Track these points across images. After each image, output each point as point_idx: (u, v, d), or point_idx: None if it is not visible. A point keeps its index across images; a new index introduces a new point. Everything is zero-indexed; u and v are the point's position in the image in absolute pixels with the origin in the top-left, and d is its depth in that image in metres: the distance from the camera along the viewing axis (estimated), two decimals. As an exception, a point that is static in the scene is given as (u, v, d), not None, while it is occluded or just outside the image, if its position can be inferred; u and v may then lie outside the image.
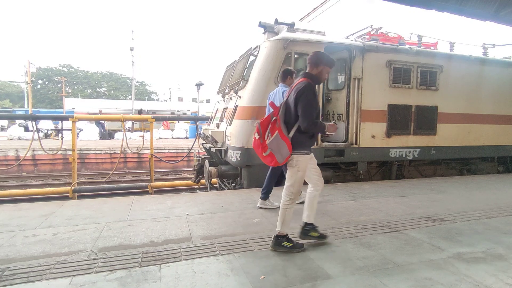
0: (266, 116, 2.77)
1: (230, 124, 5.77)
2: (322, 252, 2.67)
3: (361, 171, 6.20)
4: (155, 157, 9.22)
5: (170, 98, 49.73)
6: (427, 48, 7.15)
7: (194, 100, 43.72)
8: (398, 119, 6.26)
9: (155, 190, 8.81)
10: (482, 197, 4.79)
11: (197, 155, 7.20)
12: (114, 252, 2.62)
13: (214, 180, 7.58)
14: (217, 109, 7.84)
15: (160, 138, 21.55)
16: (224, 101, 7.17)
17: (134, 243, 2.82)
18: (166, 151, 14.71)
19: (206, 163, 6.04)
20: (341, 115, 6.23)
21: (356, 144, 5.96)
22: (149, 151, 8.80)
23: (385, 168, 6.67)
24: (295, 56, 5.66)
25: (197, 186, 8.97)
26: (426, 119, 6.50)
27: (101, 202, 4.28)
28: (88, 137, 19.69)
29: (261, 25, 6.21)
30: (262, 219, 3.55)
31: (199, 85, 16.10)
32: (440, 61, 6.57)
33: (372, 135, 6.09)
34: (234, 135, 5.49)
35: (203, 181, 7.05)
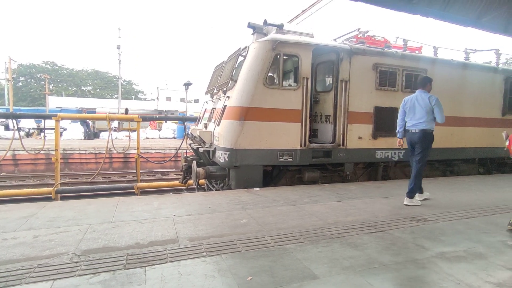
0: None
1: (218, 125, 5.73)
2: (309, 252, 2.68)
3: (348, 172, 6.28)
4: (142, 157, 9.07)
5: (157, 98, 49.08)
6: (412, 52, 7.32)
7: (182, 100, 43.25)
8: (384, 121, 6.38)
9: (141, 191, 8.66)
10: (464, 197, 4.93)
11: (185, 155, 7.12)
12: (98, 255, 2.55)
13: (201, 181, 7.52)
14: (206, 109, 7.78)
15: (147, 138, 21.24)
16: (212, 101, 7.12)
17: (119, 245, 2.75)
18: (153, 151, 14.50)
19: (194, 163, 5.98)
20: (328, 117, 6.30)
21: (343, 145, 6.04)
22: (135, 151, 8.65)
23: (371, 169, 6.78)
24: (284, 57, 5.68)
25: (184, 187, 8.88)
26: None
27: (85, 203, 4.17)
28: (72, 136, 19.20)
29: (250, 25, 6.21)
30: (250, 220, 3.54)
31: (187, 85, 15.95)
32: (425, 65, 6.75)
33: (358, 137, 6.18)
34: (223, 135, 5.46)
35: (190, 182, 6.98)
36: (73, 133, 19.49)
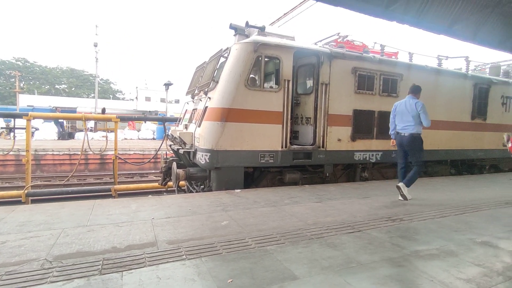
0: None
1: (199, 126, 5.67)
2: (289, 253, 2.70)
3: (327, 173, 6.40)
4: (119, 158, 8.81)
5: (136, 98, 47.87)
6: (389, 57, 7.59)
7: (163, 100, 42.47)
8: (362, 124, 6.57)
9: (119, 193, 8.40)
10: (436, 197, 5.15)
11: (165, 157, 6.99)
12: (71, 260, 2.45)
13: (182, 183, 7.40)
14: (186, 110, 7.68)
15: (126, 139, 20.65)
16: (193, 102, 7.04)
17: (94, 250, 2.65)
18: (132, 152, 14.12)
19: (174, 165, 5.88)
20: (309, 119, 6.40)
21: (323, 147, 6.15)
22: (113, 152, 8.39)
23: (349, 170, 6.94)
24: (266, 59, 5.72)
25: (164, 189, 8.71)
26: (388, 124, 6.87)
27: (58, 207, 3.99)
28: (45, 136, 18.33)
29: (232, 27, 6.21)
30: (231, 222, 3.52)
31: (167, 85, 15.65)
32: (401, 70, 7.01)
33: (338, 139, 6.32)
34: (204, 136, 5.41)
35: (170, 183, 6.86)
36: (46, 133, 18.61)
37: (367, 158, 6.69)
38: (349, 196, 5.03)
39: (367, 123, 6.65)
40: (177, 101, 46.18)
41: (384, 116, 6.82)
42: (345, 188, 5.70)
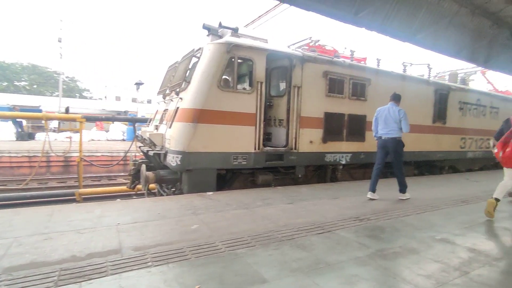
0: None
1: (170, 127, 5.52)
2: (259, 256, 2.69)
3: (299, 175, 6.49)
4: (85, 160, 8.35)
5: (105, 97, 45.82)
6: (358, 62, 7.87)
7: (134, 100, 41.04)
8: (333, 126, 6.75)
9: (84, 197, 7.97)
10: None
11: (134, 158, 6.72)
12: (23, 272, 2.26)
13: (152, 186, 7.16)
14: (157, 110, 7.45)
15: (93, 140, 19.67)
16: (164, 102, 6.85)
17: (50, 260, 2.47)
18: (99, 154, 13.45)
19: (143, 167, 5.67)
20: (282, 121, 6.45)
21: (295, 149, 6.23)
22: (77, 154, 7.93)
23: (320, 172, 7.10)
24: (239, 61, 5.70)
25: (133, 192, 8.38)
26: (356, 127, 7.13)
27: (12, 213, 3.68)
28: (2, 137, 16.97)
29: (205, 27, 6.11)
30: (201, 226, 3.45)
31: (138, 84, 15.10)
32: (369, 75, 7.29)
33: (310, 141, 6.44)
34: (175, 138, 5.27)
35: (139, 186, 6.60)
36: (3, 134, 17.24)
37: (338, 160, 6.88)
38: (320, 197, 5.13)
39: (337, 126, 6.84)
40: (149, 101, 44.81)
41: (354, 119, 7.06)
42: (316, 189, 5.81)
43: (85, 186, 9.47)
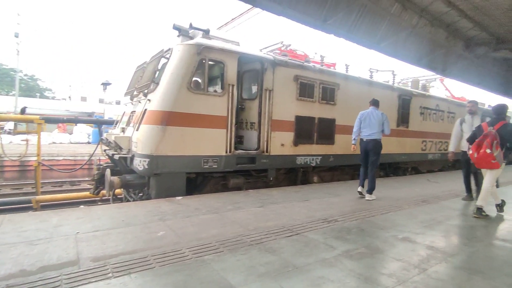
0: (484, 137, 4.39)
1: (137, 129, 5.32)
2: (227, 262, 2.64)
3: (271, 178, 6.52)
4: (43, 165, 7.80)
5: (70, 97, 43.35)
6: (328, 67, 8.10)
7: (102, 101, 39.19)
8: (304, 129, 6.87)
9: (42, 205, 7.42)
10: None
11: (98, 163, 6.38)
12: (-38, 291, 2.03)
13: (118, 191, 6.84)
14: (124, 112, 7.16)
15: (54, 142, 18.47)
16: (132, 104, 6.59)
17: (-4, 275, 2.24)
18: (61, 158, 12.64)
19: (108, 172, 5.40)
20: (253, 124, 6.46)
21: (267, 152, 6.26)
22: (35, 158, 7.39)
23: (291, 174, 7.18)
24: (210, 63, 5.62)
25: (98, 198, 7.96)
26: (326, 130, 7.32)
27: (-47, 225, 3.32)
28: None
29: (175, 27, 5.98)
30: (168, 232, 3.33)
31: (105, 85, 14.40)
32: (338, 80, 7.52)
33: (281, 144, 6.50)
34: (142, 141, 5.08)
35: (104, 192, 6.27)
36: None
37: (308, 162, 7.00)
38: (290, 199, 5.18)
39: (308, 129, 6.97)
40: (118, 102, 43.00)
41: (324, 122, 7.23)
42: (287, 192, 5.86)
43: (44, 193, 8.84)
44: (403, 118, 9.40)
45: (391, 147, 9.05)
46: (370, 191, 5.50)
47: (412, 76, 14.22)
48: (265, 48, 7.81)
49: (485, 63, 10.98)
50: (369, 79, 8.63)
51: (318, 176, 7.69)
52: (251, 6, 7.62)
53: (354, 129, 5.78)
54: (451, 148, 6.01)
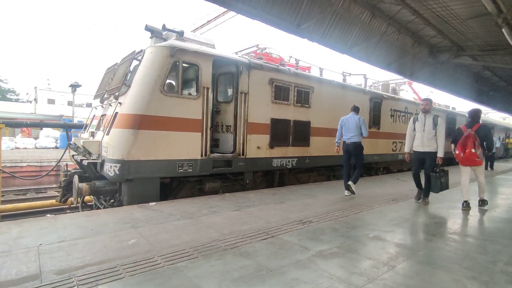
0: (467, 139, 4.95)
1: (108, 134, 5.13)
2: (201, 268, 2.60)
3: (247, 181, 6.52)
4: (5, 172, 7.29)
5: (36, 100, 40.95)
6: (302, 71, 8.26)
7: (71, 104, 37.34)
8: (280, 132, 6.94)
9: (3, 215, 6.93)
10: (341, 198, 5.75)
11: (65, 169, 6.07)
12: None
13: (88, 198, 6.55)
14: (94, 115, 6.88)
15: (18, 148, 17.36)
16: (102, 107, 6.34)
17: None
18: (25, 164, 11.90)
19: (76, 178, 5.15)
20: (229, 127, 6.44)
21: (243, 154, 6.25)
22: (-5, 165, 6.89)
23: (268, 177, 7.23)
24: (184, 65, 5.54)
25: (67, 206, 7.57)
26: (302, 132, 7.44)
27: None
28: None
29: (148, 28, 5.86)
30: (140, 240, 3.22)
31: (74, 87, 13.72)
32: (312, 83, 7.69)
33: (257, 146, 6.52)
34: (113, 145, 4.90)
35: (72, 199, 5.97)
36: None
37: (284, 164, 7.08)
38: (266, 202, 5.20)
39: (283, 131, 7.05)
40: (89, 105, 41.14)
41: (299, 125, 7.35)
42: (264, 194, 5.88)
43: (6, 202, 8.27)
44: (375, 120, 9.78)
45: (364, 148, 9.35)
46: (355, 180, 5.98)
47: (383, 80, 14.84)
48: (241, 51, 7.84)
49: (448, 68, 11.68)
50: (342, 83, 8.90)
51: (295, 178, 7.80)
52: (226, 9, 7.61)
53: (338, 133, 6.28)
54: (406, 148, 5.71)
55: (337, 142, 6.30)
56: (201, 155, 5.62)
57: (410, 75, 11.07)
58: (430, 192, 5.41)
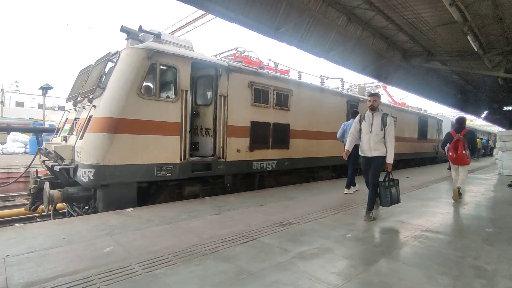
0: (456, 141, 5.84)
1: (81, 138, 4.93)
2: (180, 274, 2.55)
3: (228, 184, 6.48)
4: (-33, 180, 6.81)
5: (2, 102, 38.66)
6: (281, 74, 8.35)
7: (41, 107, 35.59)
8: (259, 134, 6.97)
9: (-35, 225, 6.46)
10: (320, 200, 5.85)
11: (35, 175, 5.77)
12: None
13: (60, 206, 6.25)
14: (67, 119, 6.60)
15: (-17, 153, 16.28)
16: (75, 110, 6.10)
17: None
18: (-9, 170, 11.18)
19: (46, 185, 4.90)
20: (209, 130, 6.38)
21: (223, 158, 6.22)
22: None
23: (249, 179, 7.22)
24: (162, 67, 5.44)
25: (37, 215, 7.20)
26: (281, 135, 7.51)
27: None
28: None
29: (123, 30, 5.70)
30: (116, 248, 3.12)
31: (45, 89, 13.07)
32: (291, 86, 7.79)
33: (237, 149, 6.51)
34: (87, 150, 4.72)
35: (43, 207, 5.68)
36: None
37: (264, 167, 7.11)
38: (247, 205, 5.19)
39: (263, 134, 7.09)
40: (61, 108, 39.40)
41: (279, 128, 7.42)
42: (244, 197, 5.87)
43: (-31, 211, 7.71)
44: (352, 122, 10.03)
45: (341, 149, 9.53)
46: (348, 184, 6.70)
47: (359, 83, 15.30)
48: (220, 54, 7.82)
49: (420, 72, 12.25)
50: (320, 86, 9.08)
51: (275, 180, 7.84)
52: (204, 12, 7.58)
53: (338, 135, 7.10)
54: (347, 147, 4.98)
55: (341, 141, 6.84)
56: (180, 159, 5.53)
57: (384, 79, 11.49)
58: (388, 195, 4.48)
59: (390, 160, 4.42)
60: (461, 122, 6.13)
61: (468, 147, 5.82)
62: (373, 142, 4.49)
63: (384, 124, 4.46)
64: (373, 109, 4.57)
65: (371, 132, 4.51)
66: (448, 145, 6.09)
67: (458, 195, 5.90)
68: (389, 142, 4.44)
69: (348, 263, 2.87)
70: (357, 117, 4.86)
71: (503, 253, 3.25)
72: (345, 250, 3.22)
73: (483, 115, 23.05)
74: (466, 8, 6.64)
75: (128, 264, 2.73)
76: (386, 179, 4.49)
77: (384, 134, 4.45)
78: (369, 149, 4.56)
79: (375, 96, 4.67)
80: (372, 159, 4.52)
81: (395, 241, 3.64)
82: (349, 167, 6.71)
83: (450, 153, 5.97)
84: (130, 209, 4.71)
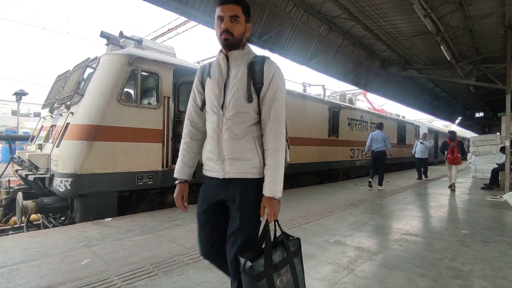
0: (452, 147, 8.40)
1: (58, 146, 4.75)
2: (161, 285, 2.48)
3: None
4: None
5: (-28, 108, 36.71)
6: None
7: (15, 113, 34.06)
8: None
9: None
10: (304, 206, 5.89)
11: (7, 185, 5.49)
12: None
13: (35, 217, 5.97)
14: (42, 126, 6.35)
15: (-50, 162, 15.30)
16: (52, 117, 5.89)
17: None
18: (-42, 181, 10.51)
19: (19, 195, 4.67)
20: (192, 137, 6.31)
21: (206, 165, 6.14)
22: None
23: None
24: (143, 73, 5.36)
25: (8, 227, 6.83)
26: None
27: None
28: None
29: (103, 35, 5.60)
30: (94, 260, 3.00)
31: (19, 95, 12.53)
32: (274, 93, 7.85)
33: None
34: (63, 158, 4.55)
35: (15, 219, 5.41)
36: None
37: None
38: (231, 212, 5.14)
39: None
40: (37, 115, 37.87)
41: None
42: (228, 205, 5.81)
43: None
44: (334, 128, 10.25)
45: (324, 155, 9.75)
46: (380, 182, 8.22)
47: (340, 90, 15.67)
48: (203, 60, 7.80)
49: (398, 80, 12.70)
50: (302, 93, 9.24)
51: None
52: (187, 18, 7.57)
53: (367, 144, 8.50)
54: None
55: (367, 150, 8.62)
56: (162, 167, 5.44)
57: (364, 86, 11.83)
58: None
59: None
60: (454, 134, 8.71)
61: (460, 152, 8.34)
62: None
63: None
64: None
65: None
66: (445, 151, 8.49)
67: (454, 188, 8.22)
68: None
69: (332, 268, 2.89)
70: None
71: (478, 254, 3.39)
72: (329, 255, 3.24)
73: (457, 121, 24.12)
74: (439, 20, 6.98)
75: (107, 276, 2.63)
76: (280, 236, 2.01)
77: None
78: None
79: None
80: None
81: (377, 245, 3.71)
82: (371, 167, 8.58)
83: (449, 156, 8.35)
84: (110, 219, 4.56)
